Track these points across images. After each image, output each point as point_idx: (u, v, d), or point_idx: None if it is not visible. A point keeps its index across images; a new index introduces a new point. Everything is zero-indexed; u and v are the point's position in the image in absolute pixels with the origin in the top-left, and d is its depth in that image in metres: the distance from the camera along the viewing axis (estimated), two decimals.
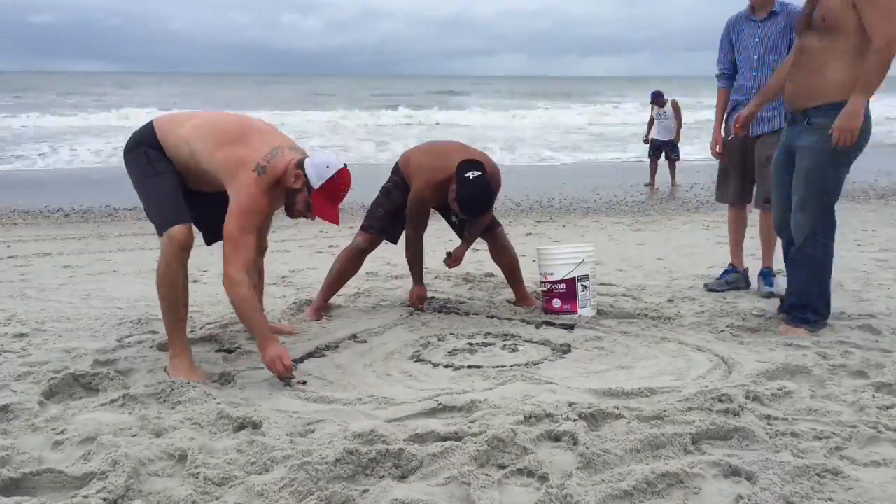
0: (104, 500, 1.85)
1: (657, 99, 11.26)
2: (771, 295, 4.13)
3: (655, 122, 11.36)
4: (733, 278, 4.39)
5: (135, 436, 2.24)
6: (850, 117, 3.14)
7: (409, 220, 3.82)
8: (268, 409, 2.53)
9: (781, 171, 3.53)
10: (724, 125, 4.34)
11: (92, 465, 2.02)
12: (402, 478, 2.01)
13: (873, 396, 2.57)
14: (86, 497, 1.86)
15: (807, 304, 3.42)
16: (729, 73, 4.33)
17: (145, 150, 2.95)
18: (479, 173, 3.58)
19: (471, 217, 3.76)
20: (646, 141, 11.61)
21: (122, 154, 3.07)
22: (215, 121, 3.03)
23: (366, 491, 1.90)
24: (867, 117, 3.23)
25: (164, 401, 2.57)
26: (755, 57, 4.16)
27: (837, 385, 2.72)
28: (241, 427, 2.34)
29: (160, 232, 2.88)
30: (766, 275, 4.27)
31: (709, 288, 4.33)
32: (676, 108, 11.28)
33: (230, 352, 3.23)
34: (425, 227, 3.88)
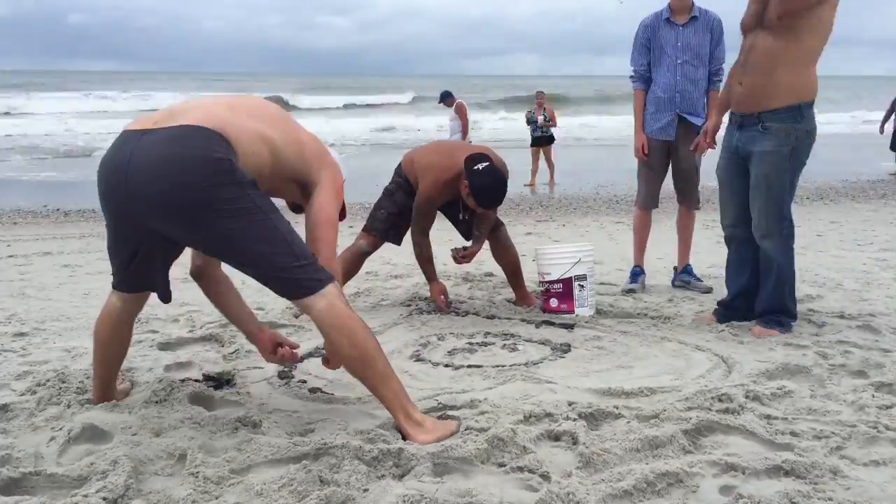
0: (104, 499, 1.85)
1: (446, 99, 10.64)
2: (710, 290, 4.28)
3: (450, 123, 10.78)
4: (642, 279, 4.48)
5: (134, 435, 2.24)
6: None
7: (415, 222, 3.80)
8: (268, 408, 2.53)
9: (733, 176, 3.46)
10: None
11: (92, 465, 2.01)
12: (402, 477, 2.01)
13: (873, 396, 2.56)
14: (86, 496, 1.86)
15: (780, 308, 3.40)
16: (646, 76, 4.37)
17: None
18: (488, 163, 3.59)
19: (487, 208, 3.71)
20: None
21: None
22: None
23: (366, 490, 1.90)
24: (812, 120, 3.26)
25: (164, 400, 2.57)
26: (679, 61, 4.23)
27: (837, 384, 2.72)
28: (240, 426, 2.34)
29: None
30: (690, 271, 4.47)
31: (626, 291, 4.34)
32: (462, 110, 10.75)
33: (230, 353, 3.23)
34: (430, 228, 3.87)
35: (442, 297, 3.88)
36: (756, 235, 3.38)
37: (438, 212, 4.00)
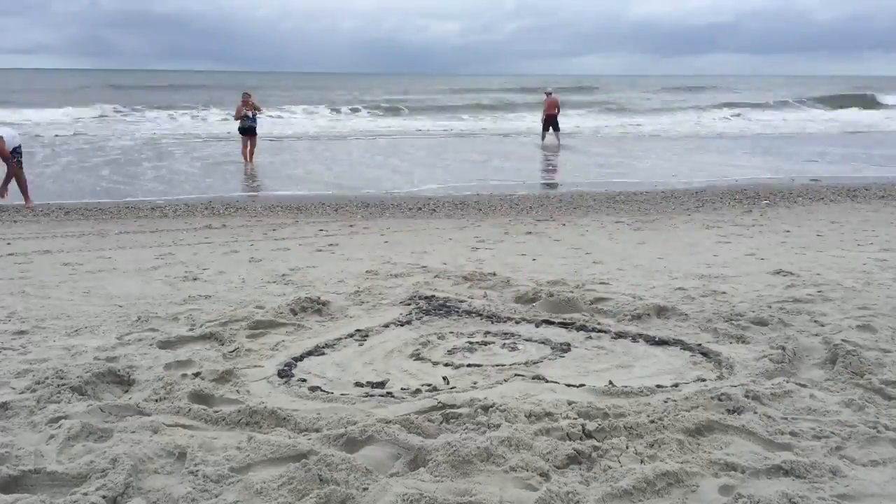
0: (104, 497, 1.85)
1: None
2: None
3: None
4: None
5: (134, 433, 2.24)
6: None
7: None
8: (267, 407, 2.53)
9: None
10: None
11: (91, 463, 2.01)
12: (402, 475, 2.01)
13: (873, 396, 2.56)
14: (85, 494, 1.86)
15: None
16: None
17: None
18: None
19: None
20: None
21: None
22: None
23: (365, 489, 1.90)
24: None
25: (164, 398, 2.57)
26: None
27: (837, 384, 2.72)
28: (240, 425, 2.34)
29: None
30: None
31: None
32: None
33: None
34: None
35: None
36: None
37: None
